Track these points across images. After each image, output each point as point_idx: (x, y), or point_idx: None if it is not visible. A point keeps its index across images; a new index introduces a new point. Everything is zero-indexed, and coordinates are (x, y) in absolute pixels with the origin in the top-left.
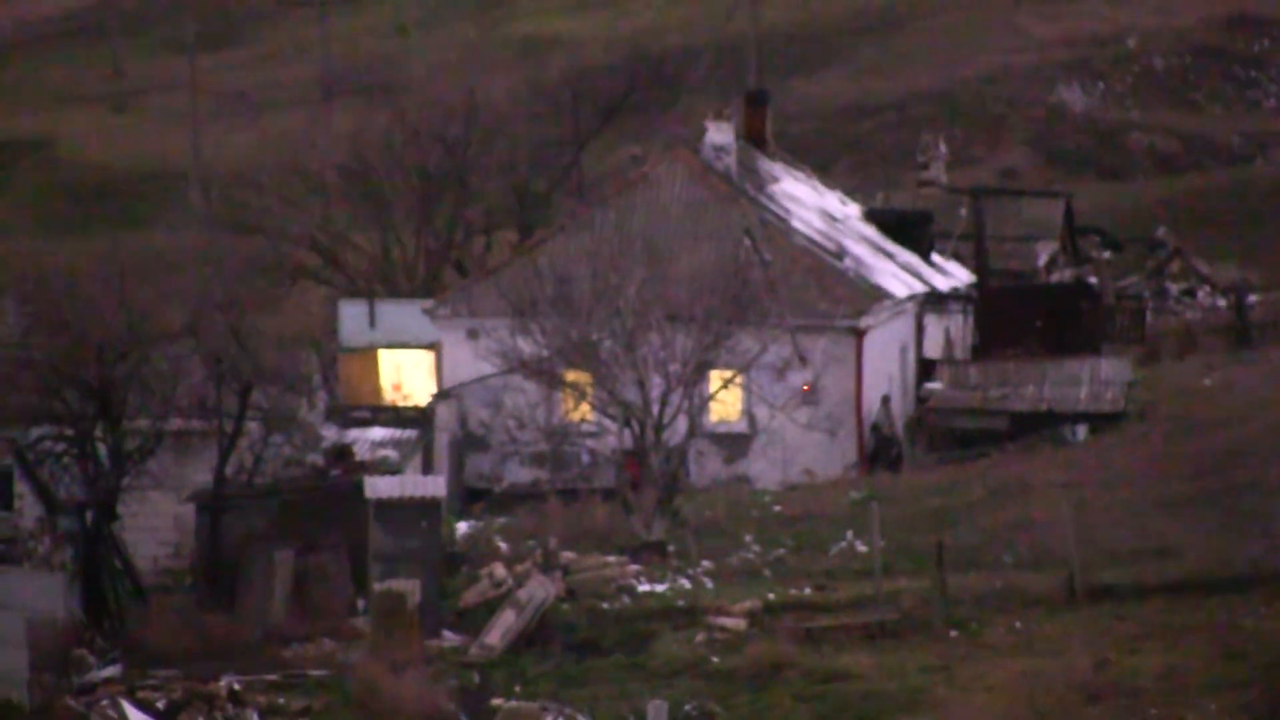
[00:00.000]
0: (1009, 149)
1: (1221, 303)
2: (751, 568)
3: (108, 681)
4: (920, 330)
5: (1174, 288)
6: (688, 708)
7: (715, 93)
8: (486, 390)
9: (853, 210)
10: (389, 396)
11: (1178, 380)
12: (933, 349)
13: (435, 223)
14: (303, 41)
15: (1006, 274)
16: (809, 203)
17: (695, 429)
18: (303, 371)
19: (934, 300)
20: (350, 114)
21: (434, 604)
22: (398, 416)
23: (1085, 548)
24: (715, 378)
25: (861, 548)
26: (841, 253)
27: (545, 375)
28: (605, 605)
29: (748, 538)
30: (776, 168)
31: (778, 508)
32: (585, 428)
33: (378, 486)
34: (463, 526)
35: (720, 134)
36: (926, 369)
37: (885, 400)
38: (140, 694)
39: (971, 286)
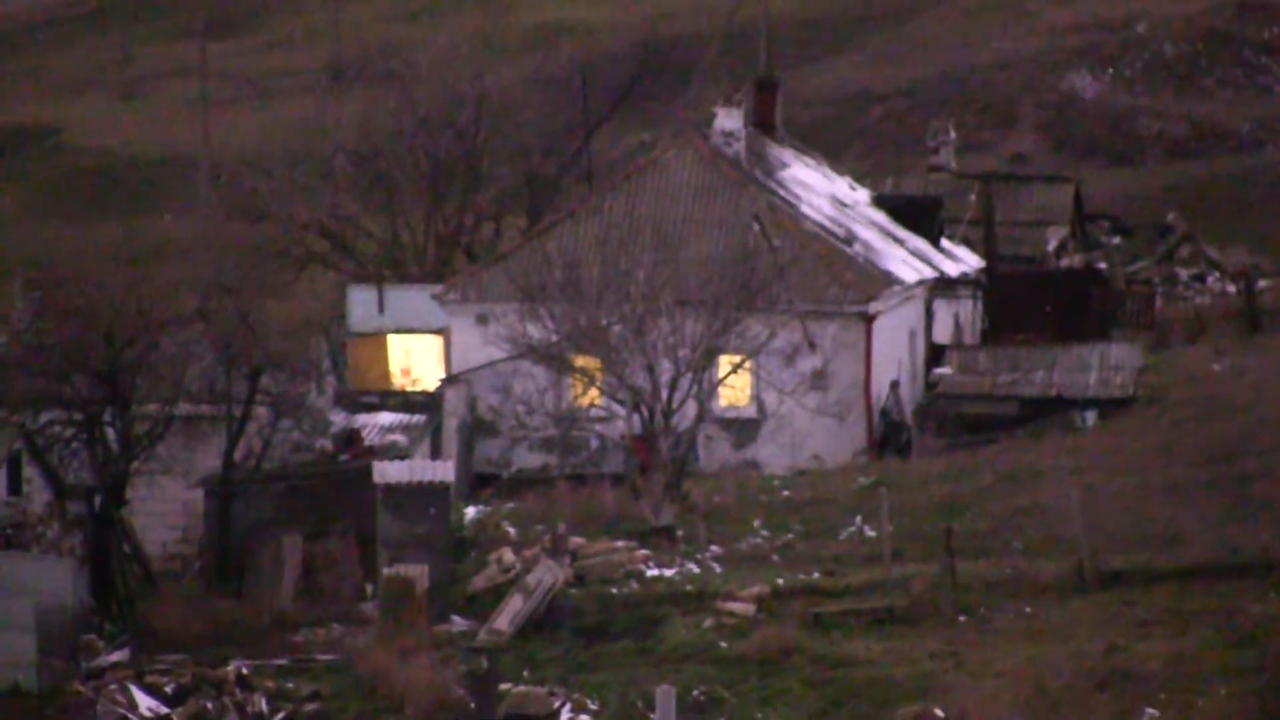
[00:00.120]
0: (1019, 135)
1: (1231, 288)
2: (760, 553)
3: (116, 666)
4: (929, 316)
5: (1184, 273)
6: (696, 693)
7: (725, 79)
8: (495, 375)
9: (862, 196)
10: (398, 382)
11: (1187, 366)
12: (942, 334)
13: (445, 208)
14: (313, 27)
15: (1016, 259)
16: (818, 188)
17: (704, 414)
18: (312, 357)
19: (943, 286)
20: (360, 100)
21: (442, 589)
22: (406, 402)
23: (1094, 534)
24: (724, 363)
25: (870, 533)
26: (851, 238)
27: (554, 360)
28: (614, 590)
29: (756, 523)
30: (786, 154)
31: (786, 493)
32: (594, 413)
33: (386, 472)
34: (471, 511)
35: (730, 120)
36: (936, 354)
37: (894, 386)
38: (148, 679)
39: (981, 272)
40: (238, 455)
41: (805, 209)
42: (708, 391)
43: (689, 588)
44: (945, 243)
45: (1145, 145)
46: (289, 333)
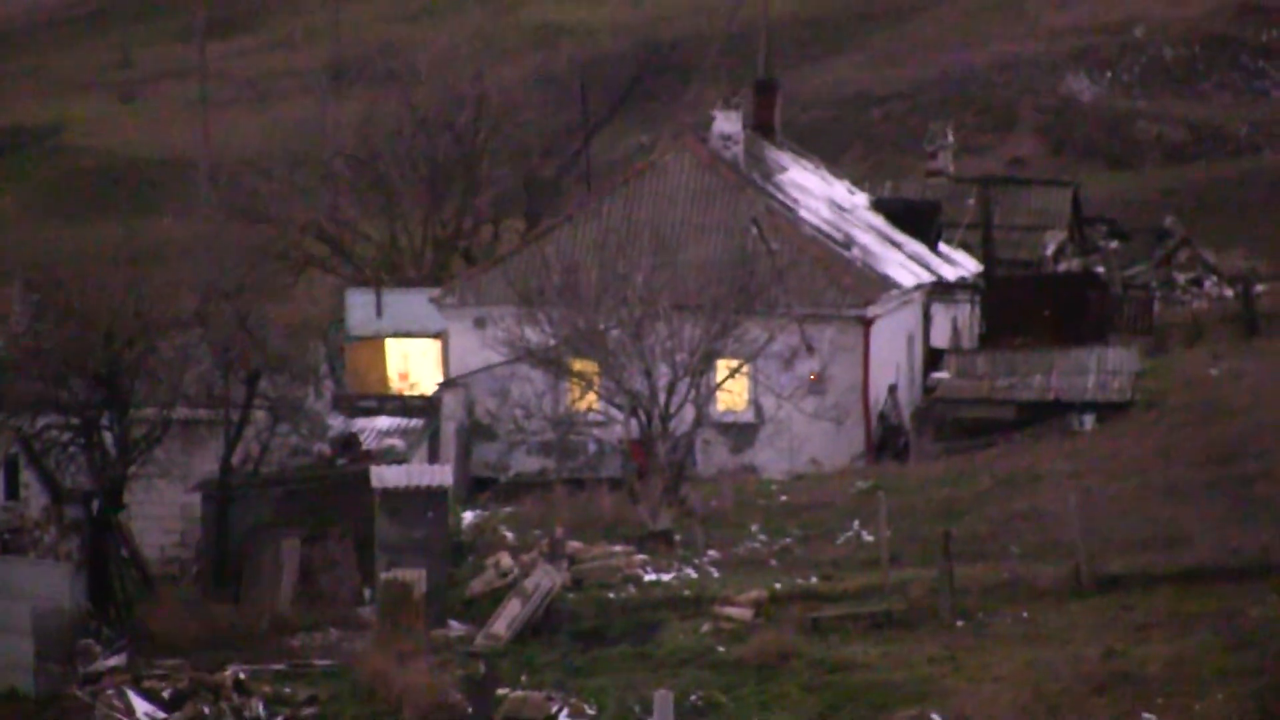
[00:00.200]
0: (1017, 138)
1: (1229, 292)
2: (758, 557)
3: (114, 671)
4: (927, 320)
5: (1181, 277)
6: (694, 697)
7: (724, 81)
8: (493, 379)
9: (860, 199)
10: (396, 385)
11: (1185, 370)
12: (940, 338)
13: (443, 211)
14: (312, 28)
15: (1014, 263)
16: (817, 192)
17: (702, 418)
18: (310, 360)
19: (941, 289)
20: (359, 102)
21: (440, 593)
22: (404, 405)
23: (1092, 537)
24: (722, 367)
25: (868, 537)
26: (849, 242)
27: (552, 364)
28: (611, 595)
29: (754, 527)
30: (784, 157)
31: (784, 497)
32: (592, 417)
33: (384, 476)
34: (469, 516)
35: (728, 123)
36: (934, 358)
37: (892, 390)
38: (146, 683)
39: (979, 276)
40: (236, 459)
41: (803, 213)
42: (705, 396)
43: (687, 592)
44: (943, 247)
45: (1143, 149)
46: (287, 336)
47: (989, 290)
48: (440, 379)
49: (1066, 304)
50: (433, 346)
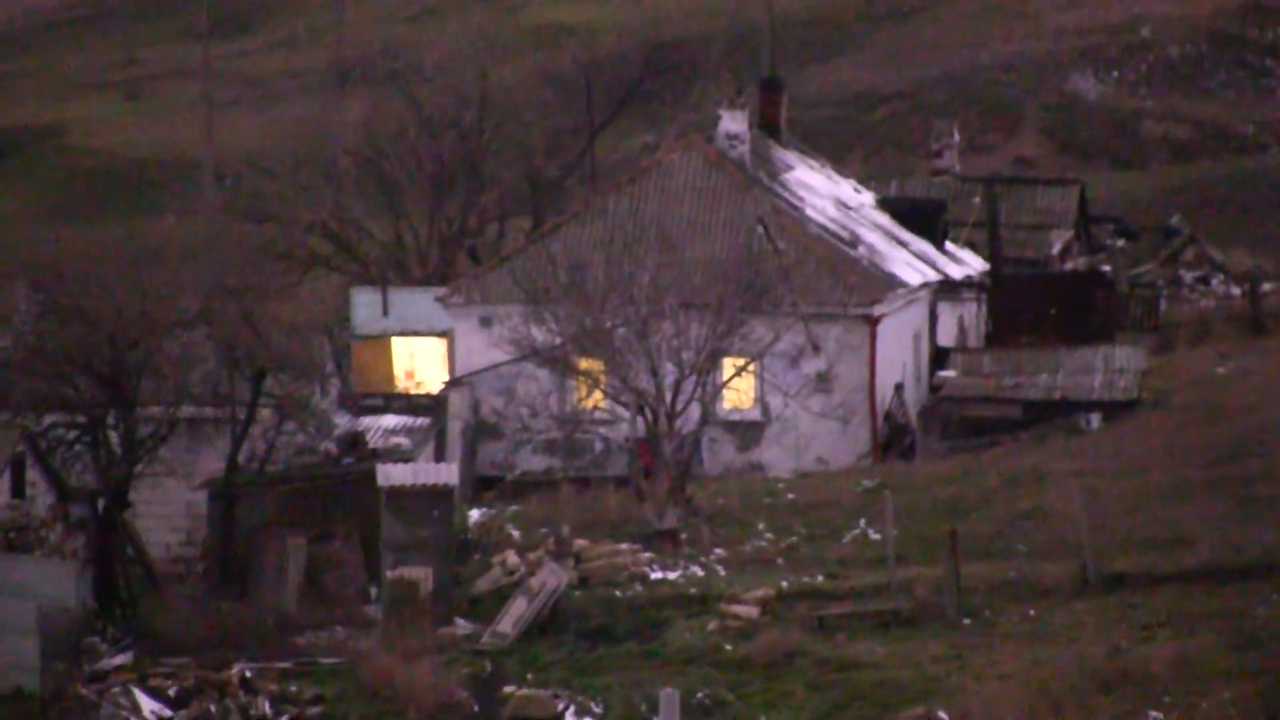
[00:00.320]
0: (1023, 137)
1: (1235, 291)
2: (764, 556)
3: (119, 669)
4: (934, 318)
5: (1188, 276)
6: (700, 696)
7: (729, 81)
8: (499, 378)
9: (866, 198)
10: (402, 384)
11: (1191, 369)
12: (946, 337)
13: (448, 210)
14: (316, 28)
15: (1020, 262)
16: (823, 191)
17: (708, 417)
18: (315, 359)
19: (947, 288)
20: (364, 101)
21: (446, 592)
22: (410, 404)
23: (1098, 536)
24: (728, 365)
25: (874, 536)
26: (855, 241)
27: (558, 363)
28: (618, 593)
29: (760, 526)
30: (790, 156)
31: (791, 496)
32: (598, 415)
33: (390, 474)
34: (475, 514)
35: (734, 122)
36: (940, 357)
37: (898, 388)
38: (152, 681)
39: (985, 274)
40: (241, 458)
41: (809, 211)
42: (712, 394)
43: (693, 590)
44: (949, 245)
45: (1149, 148)
46: (293, 335)
47: (995, 289)
48: (446, 377)
49: (1073, 303)
50: (438, 345)
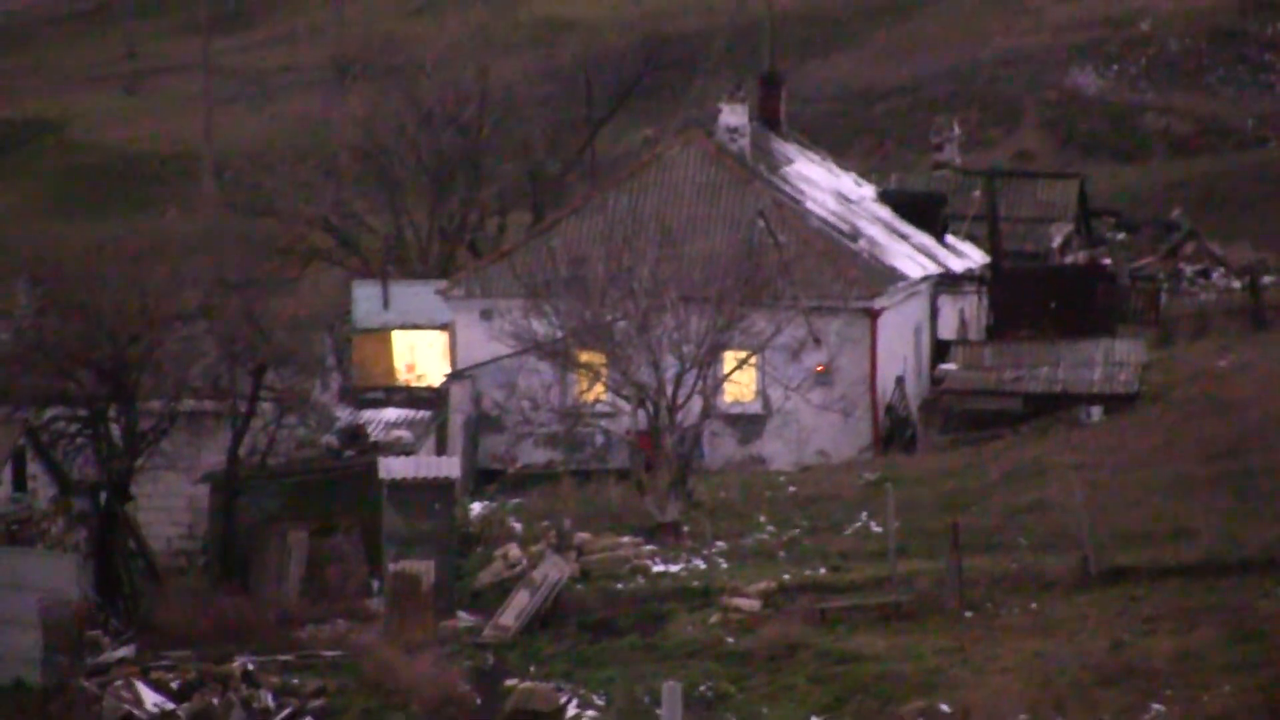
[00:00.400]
0: (1023, 131)
1: (1236, 285)
2: (766, 549)
3: (121, 662)
4: (934, 312)
5: (1188, 269)
6: (702, 688)
7: (729, 75)
8: (500, 371)
9: (867, 192)
10: (403, 377)
11: (1192, 362)
12: (947, 330)
13: (449, 204)
14: (317, 23)
15: (1021, 255)
16: (823, 184)
17: (709, 410)
18: (316, 352)
19: (948, 282)
20: (364, 96)
21: (448, 585)
22: (411, 397)
23: (1099, 530)
24: (729, 359)
25: (876, 529)
26: (856, 234)
27: (559, 356)
28: (620, 586)
29: (762, 519)
30: (791, 149)
31: (792, 489)
32: (599, 409)
33: (392, 467)
34: (477, 507)
35: (734, 116)
36: (941, 350)
37: (899, 381)
38: (154, 675)
39: (986, 268)
40: (243, 451)
41: (810, 205)
42: (713, 387)
43: (695, 583)
44: (950, 239)
45: (1150, 142)
46: (294, 329)
47: (996, 282)
48: (447, 371)
49: (1073, 296)
50: (439, 338)
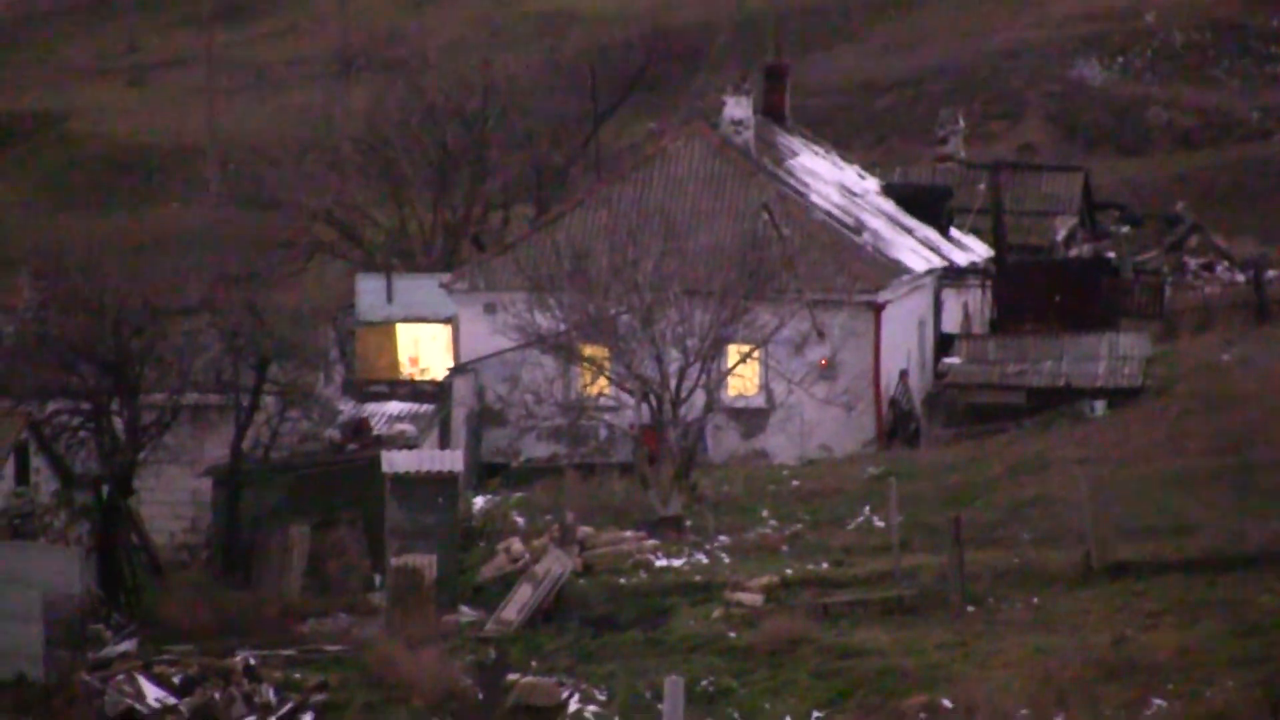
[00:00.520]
0: (1027, 124)
1: (1240, 278)
2: (769, 543)
3: (124, 657)
4: (938, 305)
5: (1192, 263)
6: (704, 683)
7: (733, 68)
8: (504, 365)
9: (871, 185)
10: (406, 371)
11: (1196, 356)
12: (951, 324)
13: (452, 197)
14: (320, 16)
15: (1025, 249)
16: (827, 177)
17: (713, 404)
18: (319, 346)
19: (952, 275)
20: (368, 89)
21: (451, 579)
22: (415, 391)
23: (1102, 524)
24: (733, 352)
25: (879, 523)
26: (860, 227)
27: (563, 350)
28: (622, 580)
29: (765, 513)
30: (795, 142)
31: (795, 483)
32: (603, 402)
33: (395, 461)
34: (480, 501)
35: (738, 108)
36: (944, 344)
37: (903, 375)
38: (156, 669)
39: (989, 261)
40: (246, 445)
41: (814, 198)
42: (716, 381)
43: (697, 578)
44: (954, 232)
45: (1154, 135)
46: (297, 322)
47: (1000, 276)
48: (451, 364)
49: (1077, 290)
50: (443, 332)
